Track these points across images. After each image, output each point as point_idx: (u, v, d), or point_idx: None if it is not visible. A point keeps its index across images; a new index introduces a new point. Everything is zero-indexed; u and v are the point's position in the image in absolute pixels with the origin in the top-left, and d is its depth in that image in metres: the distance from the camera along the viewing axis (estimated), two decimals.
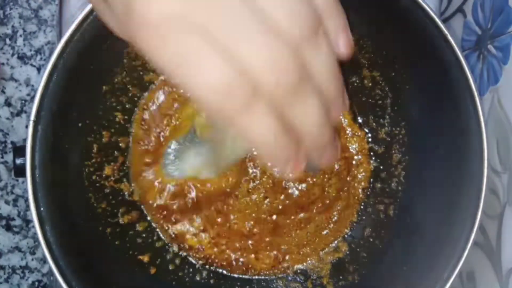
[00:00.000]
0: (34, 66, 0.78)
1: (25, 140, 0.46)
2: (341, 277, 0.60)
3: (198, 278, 0.60)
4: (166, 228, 0.60)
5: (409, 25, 0.50)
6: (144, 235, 0.59)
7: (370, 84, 0.60)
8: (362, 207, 0.62)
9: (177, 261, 0.60)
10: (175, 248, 0.60)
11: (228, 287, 0.60)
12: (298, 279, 0.61)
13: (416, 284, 0.52)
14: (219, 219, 0.61)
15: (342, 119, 0.62)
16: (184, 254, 0.60)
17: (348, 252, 0.61)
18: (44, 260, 0.75)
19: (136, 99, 0.59)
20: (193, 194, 0.60)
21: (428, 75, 0.53)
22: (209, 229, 0.61)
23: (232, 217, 0.61)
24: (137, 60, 0.57)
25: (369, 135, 0.62)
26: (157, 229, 0.60)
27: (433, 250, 0.51)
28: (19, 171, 0.48)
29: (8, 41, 0.77)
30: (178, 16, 0.22)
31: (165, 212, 0.60)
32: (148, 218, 0.60)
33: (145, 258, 0.58)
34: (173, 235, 0.61)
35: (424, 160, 0.56)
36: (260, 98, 0.24)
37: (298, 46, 0.24)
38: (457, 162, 0.51)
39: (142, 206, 0.60)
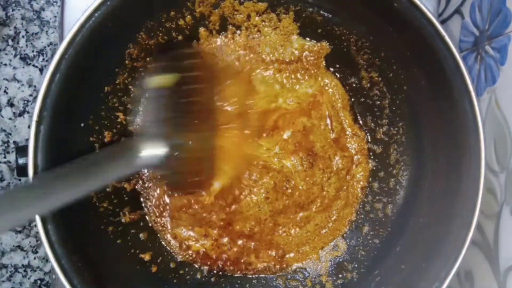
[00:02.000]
0: (37, 67, 0.78)
1: (27, 140, 0.47)
2: (339, 275, 0.61)
3: (198, 276, 0.60)
4: (168, 231, 0.61)
5: (407, 27, 0.50)
6: (145, 234, 0.60)
7: (368, 85, 0.61)
8: (360, 206, 0.63)
9: (178, 259, 0.61)
10: (176, 251, 0.61)
11: (228, 285, 0.61)
12: (297, 277, 0.62)
13: (414, 283, 0.52)
14: (221, 222, 0.61)
15: (343, 120, 0.63)
16: (187, 257, 0.61)
17: (346, 251, 0.62)
18: (46, 259, 0.76)
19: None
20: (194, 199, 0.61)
21: (426, 76, 0.53)
22: (211, 232, 0.61)
23: (233, 218, 0.61)
24: (138, 61, 0.57)
25: (368, 135, 0.63)
26: (158, 232, 0.61)
27: (431, 248, 0.52)
28: (22, 171, 0.48)
29: (10, 42, 0.78)
30: None
31: (165, 214, 0.61)
32: (149, 219, 0.61)
33: (146, 257, 0.58)
34: (175, 238, 0.61)
35: (422, 160, 0.57)
36: None
37: None
38: (454, 161, 0.51)
39: (145, 210, 0.61)
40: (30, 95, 0.78)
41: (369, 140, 0.62)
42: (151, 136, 0.50)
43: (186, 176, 0.55)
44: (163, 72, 0.52)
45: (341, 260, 0.62)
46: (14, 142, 0.77)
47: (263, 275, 0.62)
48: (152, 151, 0.49)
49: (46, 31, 0.78)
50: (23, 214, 0.41)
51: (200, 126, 0.55)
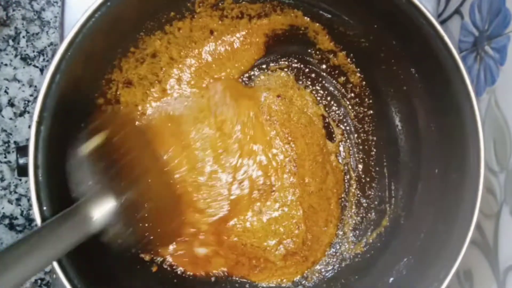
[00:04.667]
0: (37, 67, 0.78)
1: (28, 140, 0.47)
2: (338, 276, 0.61)
3: (199, 276, 0.61)
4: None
5: (407, 27, 0.50)
6: None
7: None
8: (360, 205, 0.63)
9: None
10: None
11: (228, 285, 0.61)
12: (296, 279, 0.62)
13: (414, 283, 0.52)
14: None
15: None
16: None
17: (345, 250, 0.62)
18: None
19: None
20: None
21: (425, 76, 0.53)
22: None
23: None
24: (140, 63, 0.57)
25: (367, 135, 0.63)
26: None
27: (431, 249, 0.52)
28: (22, 171, 0.49)
29: (11, 42, 0.78)
30: None
31: None
32: None
33: (147, 257, 0.58)
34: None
35: (422, 160, 0.57)
36: None
37: None
38: (454, 161, 0.51)
39: None
40: (31, 95, 0.78)
41: (369, 140, 0.63)
42: (96, 194, 0.46)
43: (148, 227, 0.51)
44: (89, 137, 0.49)
45: (340, 259, 0.62)
46: (15, 142, 0.77)
47: None
48: (103, 208, 0.46)
49: (47, 31, 0.78)
50: None
51: (142, 175, 0.52)
